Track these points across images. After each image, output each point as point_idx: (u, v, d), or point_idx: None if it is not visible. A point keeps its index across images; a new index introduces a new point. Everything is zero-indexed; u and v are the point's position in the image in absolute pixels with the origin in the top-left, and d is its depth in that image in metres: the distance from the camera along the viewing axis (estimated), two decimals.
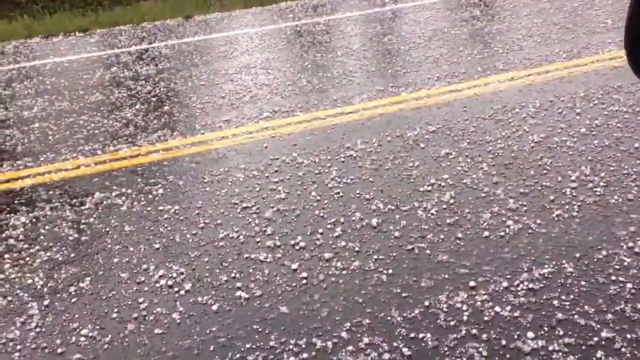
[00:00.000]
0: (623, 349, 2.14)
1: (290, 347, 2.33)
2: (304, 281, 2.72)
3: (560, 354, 2.15)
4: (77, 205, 3.66)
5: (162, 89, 5.66)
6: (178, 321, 2.56)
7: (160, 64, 6.52)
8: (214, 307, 2.61)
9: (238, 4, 8.96)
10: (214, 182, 3.74)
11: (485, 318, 2.36)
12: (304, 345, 2.33)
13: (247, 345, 2.37)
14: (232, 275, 2.82)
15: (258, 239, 3.08)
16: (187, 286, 2.78)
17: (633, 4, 0.66)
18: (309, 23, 7.50)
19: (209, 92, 5.40)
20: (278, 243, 3.02)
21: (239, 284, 2.74)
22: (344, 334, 2.37)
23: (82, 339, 2.51)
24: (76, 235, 3.33)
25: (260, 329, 2.45)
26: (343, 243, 2.96)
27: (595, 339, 2.21)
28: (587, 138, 3.72)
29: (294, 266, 2.83)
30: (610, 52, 5.14)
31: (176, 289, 2.77)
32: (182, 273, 2.88)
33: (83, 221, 3.47)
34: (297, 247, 2.97)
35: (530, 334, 2.25)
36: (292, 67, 5.81)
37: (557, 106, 4.22)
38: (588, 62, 4.99)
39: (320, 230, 3.08)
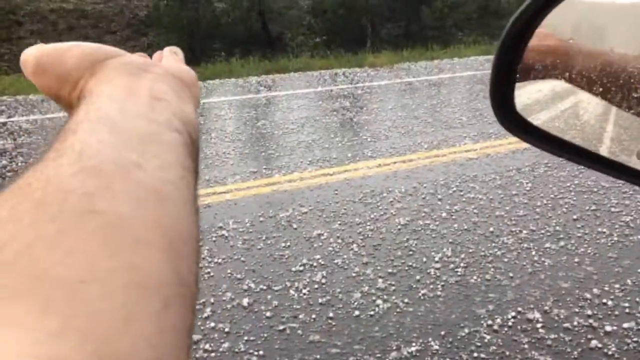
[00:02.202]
0: None
1: None
2: None
3: None
4: None
5: (19, 164, 5.29)
6: None
7: (20, 139, 6.13)
8: None
9: None
10: None
11: None
12: None
13: None
14: None
15: None
16: None
17: (497, 63, 0.69)
18: None
19: None
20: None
21: None
22: None
23: None
24: None
25: None
26: (212, 324, 2.83)
27: None
28: (448, 222, 3.94)
29: None
30: (466, 145, 5.59)
31: None
32: None
33: None
34: None
35: None
36: None
37: (420, 192, 4.47)
38: (447, 153, 5.38)
39: None
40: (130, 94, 0.33)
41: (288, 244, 3.65)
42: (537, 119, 0.71)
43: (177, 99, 0.36)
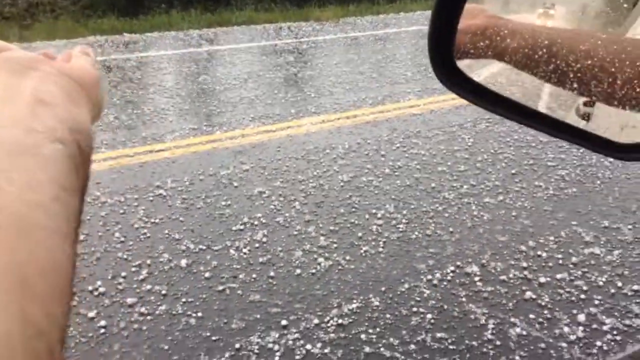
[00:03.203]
0: None
1: None
2: (102, 330, 2.46)
3: None
4: None
5: None
6: None
7: None
8: None
9: (39, 36, 8.32)
10: None
11: (297, 357, 2.31)
12: None
13: None
14: None
15: None
16: None
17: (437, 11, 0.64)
18: (119, 59, 7.18)
19: None
20: (73, 290, 2.72)
21: None
22: None
23: None
24: None
25: None
26: (149, 286, 2.75)
27: None
28: (391, 178, 3.94)
29: (91, 314, 2.55)
30: (410, 101, 5.58)
31: None
32: None
33: None
34: (95, 293, 2.70)
35: None
36: None
37: (364, 148, 4.44)
38: (391, 109, 5.36)
39: (124, 274, 2.84)
40: (8, 96, 0.29)
41: (228, 202, 3.57)
42: (479, 75, 0.67)
43: (67, 102, 0.31)
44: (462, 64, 0.68)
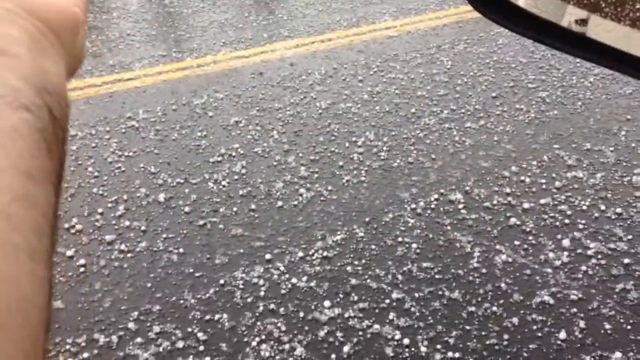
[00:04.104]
0: (412, 308, 2.22)
1: (67, 347, 2.02)
2: (82, 269, 2.39)
3: (355, 320, 2.16)
4: None
5: None
6: None
7: None
8: None
9: None
10: None
11: (282, 291, 2.29)
12: (83, 344, 2.04)
13: None
14: None
15: None
16: None
17: None
18: None
19: None
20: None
21: None
22: (131, 325, 2.13)
23: None
24: None
25: None
26: (127, 223, 2.67)
27: (387, 301, 2.26)
28: (370, 104, 3.84)
29: (70, 253, 2.48)
30: (385, 22, 5.39)
31: None
32: None
33: None
34: (72, 231, 2.61)
35: (326, 303, 2.23)
36: None
37: (340, 73, 4.31)
38: (366, 31, 5.18)
39: (100, 210, 2.75)
40: None
41: (204, 133, 3.45)
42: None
43: (34, 53, 0.22)
44: None
